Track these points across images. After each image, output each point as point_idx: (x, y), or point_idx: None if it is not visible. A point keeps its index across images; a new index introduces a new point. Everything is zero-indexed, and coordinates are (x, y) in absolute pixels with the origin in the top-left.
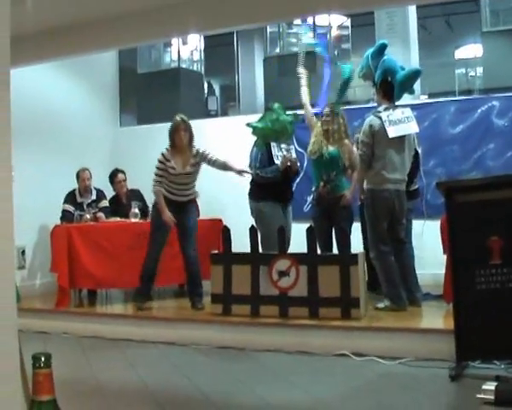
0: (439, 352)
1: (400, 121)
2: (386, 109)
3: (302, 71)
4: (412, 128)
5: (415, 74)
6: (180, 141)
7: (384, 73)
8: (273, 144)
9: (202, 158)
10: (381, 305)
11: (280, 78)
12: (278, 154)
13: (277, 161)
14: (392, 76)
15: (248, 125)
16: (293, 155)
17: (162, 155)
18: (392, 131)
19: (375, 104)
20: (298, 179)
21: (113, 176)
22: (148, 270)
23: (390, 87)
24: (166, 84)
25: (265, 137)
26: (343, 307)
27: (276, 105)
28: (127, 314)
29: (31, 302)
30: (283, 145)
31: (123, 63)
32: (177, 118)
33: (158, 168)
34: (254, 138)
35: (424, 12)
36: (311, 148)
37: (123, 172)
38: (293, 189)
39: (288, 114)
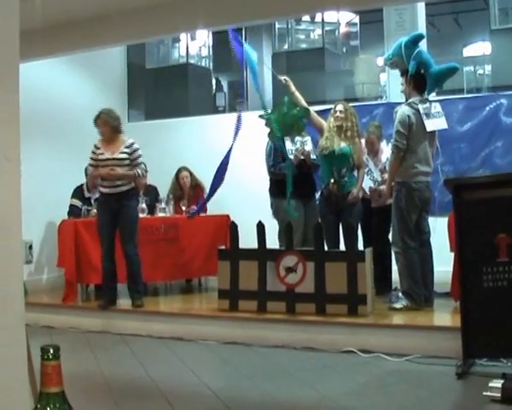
0: (446, 349)
1: (434, 116)
2: (421, 102)
3: (285, 78)
4: (443, 124)
5: (452, 71)
6: (101, 133)
7: (418, 65)
8: (287, 139)
9: (131, 154)
10: (398, 305)
11: (288, 74)
12: (292, 148)
13: (291, 156)
14: (425, 69)
15: (261, 116)
16: (310, 147)
17: (94, 144)
18: (430, 125)
19: (384, 100)
20: None
21: None
22: (104, 270)
23: (422, 80)
24: (175, 79)
25: (277, 130)
26: (350, 303)
27: (286, 99)
28: (134, 309)
29: (38, 297)
30: (298, 138)
31: (131, 59)
32: (97, 113)
33: (90, 158)
34: (262, 134)
35: (433, 10)
36: (323, 143)
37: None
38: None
39: (298, 108)
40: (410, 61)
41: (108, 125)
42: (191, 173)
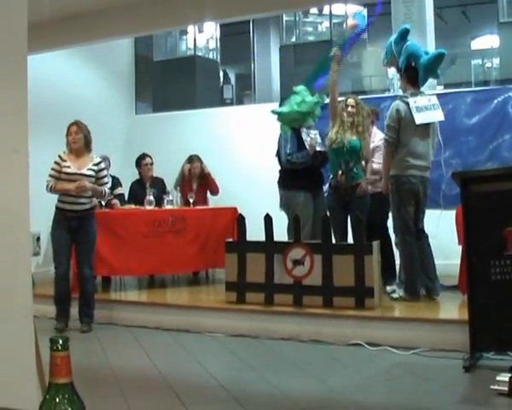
0: (454, 342)
1: (427, 108)
2: (412, 95)
3: (338, 53)
4: (438, 116)
5: (438, 57)
6: (73, 143)
7: (408, 59)
8: (303, 129)
9: (97, 172)
10: (395, 295)
11: (296, 67)
12: (307, 139)
13: (307, 145)
14: (415, 61)
15: (273, 111)
16: (319, 140)
17: (58, 155)
18: (419, 118)
19: (392, 92)
20: None
21: (140, 159)
22: (59, 291)
23: (414, 72)
24: (182, 72)
25: (292, 120)
26: (357, 296)
27: (300, 87)
28: (141, 301)
29: (45, 289)
30: (312, 130)
31: (139, 51)
32: (72, 121)
33: (52, 169)
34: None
35: (441, 2)
36: (333, 137)
37: (150, 156)
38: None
39: (313, 95)
40: (400, 56)
41: (82, 134)
42: (201, 162)
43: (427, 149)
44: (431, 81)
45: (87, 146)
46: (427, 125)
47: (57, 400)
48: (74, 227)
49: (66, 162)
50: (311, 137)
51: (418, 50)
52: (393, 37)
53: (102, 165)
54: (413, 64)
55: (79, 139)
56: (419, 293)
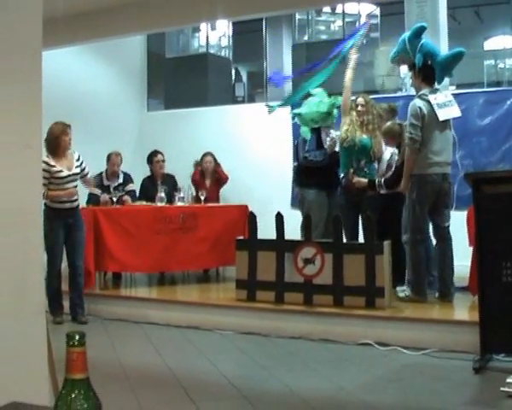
0: (464, 344)
1: (446, 105)
2: (431, 92)
3: (354, 53)
4: (456, 112)
5: (457, 56)
6: (65, 144)
7: (425, 57)
8: (322, 129)
9: (81, 165)
10: (401, 294)
11: (308, 65)
12: (327, 138)
13: (325, 145)
14: (432, 59)
15: (294, 113)
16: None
17: (44, 161)
18: (442, 114)
19: (403, 92)
20: None
21: (151, 156)
22: (53, 287)
23: (430, 70)
24: (194, 69)
25: (312, 121)
26: (368, 296)
27: (317, 89)
28: (152, 298)
29: None
30: (332, 130)
31: (151, 48)
32: (59, 124)
33: (44, 177)
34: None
35: (454, 2)
36: (343, 135)
37: (162, 153)
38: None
39: (329, 96)
40: (416, 54)
41: (71, 136)
42: (215, 160)
43: (446, 144)
44: (443, 81)
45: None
46: (446, 122)
47: (73, 395)
48: (69, 224)
49: (55, 167)
50: (331, 137)
51: (434, 48)
52: (407, 34)
53: (81, 157)
54: (429, 62)
55: (70, 142)
56: (425, 293)
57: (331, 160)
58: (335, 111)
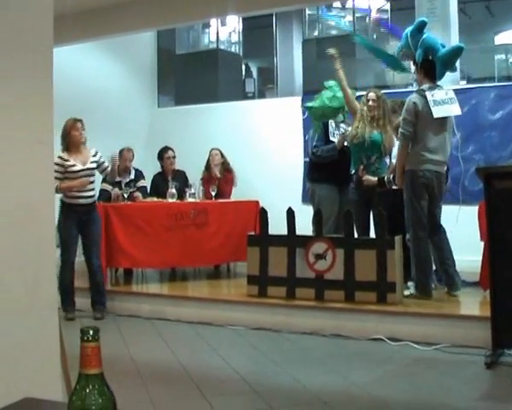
0: (475, 339)
1: (444, 102)
2: (430, 89)
3: (334, 52)
4: (455, 110)
5: (456, 51)
6: (76, 140)
7: (425, 52)
8: (331, 123)
9: (98, 161)
10: (406, 292)
11: (318, 60)
12: (336, 132)
13: (334, 139)
14: (433, 54)
15: (305, 106)
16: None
17: (59, 157)
18: (437, 112)
19: (414, 86)
20: None
21: (162, 152)
22: (67, 282)
23: (432, 66)
24: (204, 65)
25: (323, 115)
26: (379, 291)
27: (331, 83)
28: (163, 294)
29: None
30: (342, 124)
31: (161, 44)
32: (70, 119)
33: (56, 171)
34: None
35: None
36: (353, 132)
37: (172, 149)
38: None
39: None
40: (417, 49)
41: (84, 131)
42: (222, 155)
43: (443, 143)
44: (454, 76)
45: (85, 142)
46: (443, 120)
47: (87, 390)
48: (84, 220)
49: (69, 162)
50: (342, 131)
51: (435, 43)
52: (409, 29)
53: (98, 152)
54: (430, 57)
55: (83, 136)
56: (431, 291)
57: (340, 155)
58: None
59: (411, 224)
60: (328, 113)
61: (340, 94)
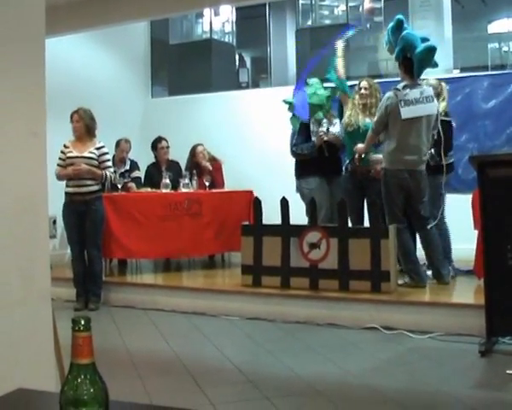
0: (469, 327)
1: (417, 101)
2: (404, 87)
3: (339, 42)
4: (429, 109)
5: (430, 50)
6: (74, 129)
7: (403, 50)
8: (312, 120)
9: (99, 156)
10: (400, 281)
11: (312, 50)
12: (317, 130)
13: (314, 138)
14: (411, 52)
15: (285, 101)
16: (338, 130)
17: (63, 144)
18: (406, 112)
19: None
20: None
21: (156, 142)
22: (75, 272)
23: (410, 63)
24: (198, 55)
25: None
26: (373, 280)
27: (313, 79)
28: (157, 284)
29: (61, 272)
30: (325, 120)
31: (155, 34)
32: (75, 108)
33: (59, 158)
34: (285, 111)
35: None
36: (347, 120)
37: (166, 140)
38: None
39: (325, 88)
40: (396, 46)
41: (82, 122)
42: (208, 153)
43: (418, 142)
44: (447, 65)
45: (89, 133)
46: (418, 119)
47: (79, 380)
48: (81, 210)
49: (68, 149)
50: (323, 129)
51: (414, 41)
52: (390, 25)
53: (105, 149)
54: (408, 55)
55: (80, 128)
56: (423, 277)
57: (329, 148)
58: (329, 105)
59: (388, 218)
60: (308, 109)
61: (320, 91)
